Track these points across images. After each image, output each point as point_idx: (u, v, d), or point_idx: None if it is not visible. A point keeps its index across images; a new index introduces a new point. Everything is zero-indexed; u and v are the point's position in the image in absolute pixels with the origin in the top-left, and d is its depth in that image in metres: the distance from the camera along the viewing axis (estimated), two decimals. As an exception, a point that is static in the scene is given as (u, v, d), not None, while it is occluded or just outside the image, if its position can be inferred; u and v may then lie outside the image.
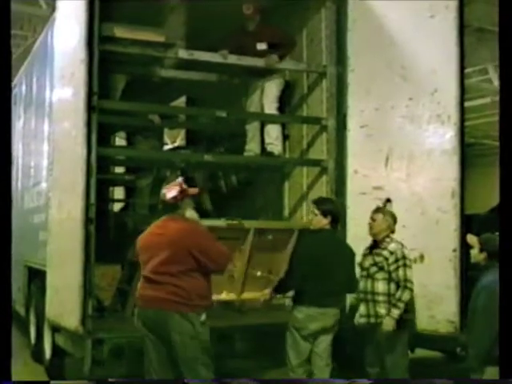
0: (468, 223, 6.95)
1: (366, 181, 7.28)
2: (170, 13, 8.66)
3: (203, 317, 5.63)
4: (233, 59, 7.72)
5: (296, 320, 6.34)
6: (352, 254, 6.58)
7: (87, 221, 6.34)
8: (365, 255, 6.62)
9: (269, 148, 8.20)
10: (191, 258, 5.59)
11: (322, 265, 6.31)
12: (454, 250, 6.68)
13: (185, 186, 5.84)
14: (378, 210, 6.69)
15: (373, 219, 6.60)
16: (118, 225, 9.56)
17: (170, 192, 5.77)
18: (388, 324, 6.33)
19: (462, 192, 6.77)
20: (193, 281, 5.62)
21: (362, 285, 6.58)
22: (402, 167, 7.09)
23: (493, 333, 5.39)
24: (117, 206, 11.83)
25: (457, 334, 6.63)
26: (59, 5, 7.35)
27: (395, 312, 6.33)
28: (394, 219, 6.61)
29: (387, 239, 6.53)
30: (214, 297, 6.21)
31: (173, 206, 5.80)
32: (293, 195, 8.48)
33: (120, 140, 11.24)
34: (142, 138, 8.77)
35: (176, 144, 14.01)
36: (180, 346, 5.56)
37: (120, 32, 7.34)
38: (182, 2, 8.47)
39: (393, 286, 6.43)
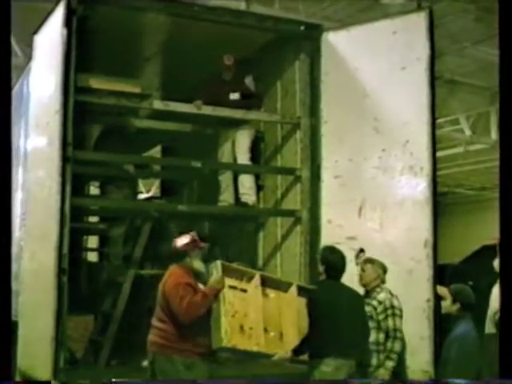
0: (441, 273, 6.99)
1: (340, 231, 7.31)
2: (145, 64, 8.73)
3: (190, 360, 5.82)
4: (207, 110, 7.76)
5: (325, 375, 6.04)
6: (361, 299, 6.47)
7: (60, 271, 6.31)
8: None
9: (243, 198, 8.20)
10: (167, 305, 5.85)
11: (338, 315, 6.11)
12: (428, 300, 6.70)
13: (196, 238, 6.15)
14: (367, 260, 6.70)
15: (362, 269, 6.63)
16: (91, 275, 9.50)
17: (181, 240, 6.09)
18: (384, 374, 6.31)
19: (435, 242, 6.81)
20: (177, 325, 5.81)
21: None
22: (375, 217, 7.15)
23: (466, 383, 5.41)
24: (91, 255, 11.76)
25: (431, 385, 6.62)
26: (36, 54, 7.40)
27: (390, 364, 6.33)
28: (384, 269, 6.60)
29: (377, 289, 6.54)
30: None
31: (181, 255, 6.06)
32: (267, 245, 8.48)
33: (94, 189, 11.21)
34: (115, 188, 8.74)
35: (151, 193, 14.00)
36: None
37: (95, 83, 7.38)
38: (158, 54, 8.54)
39: (382, 335, 6.41)
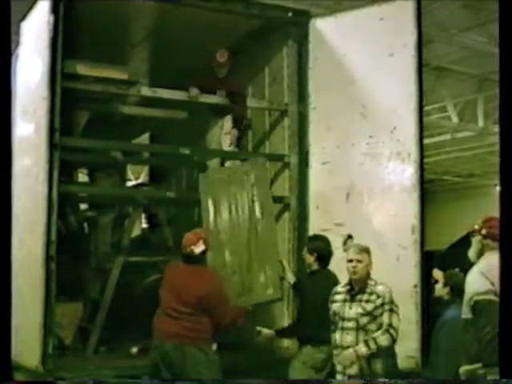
0: (428, 259, 7.02)
1: (328, 217, 7.33)
2: (132, 50, 8.69)
3: (215, 346, 6.32)
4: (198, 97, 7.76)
5: (317, 361, 6.13)
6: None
7: (48, 258, 6.31)
8: (344, 301, 5.90)
9: (232, 184, 8.18)
10: (208, 303, 6.17)
11: (324, 306, 6.07)
12: (415, 286, 6.73)
13: (205, 236, 6.40)
14: (362, 249, 5.96)
15: (358, 260, 5.87)
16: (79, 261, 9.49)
17: (199, 247, 6.26)
18: (348, 357, 5.70)
19: (422, 228, 6.84)
20: (207, 320, 6.20)
21: (348, 339, 5.76)
22: (362, 204, 7.17)
23: (455, 367, 5.45)
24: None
25: (418, 370, 6.65)
26: (22, 41, 7.36)
27: (363, 350, 5.63)
28: None
29: (370, 281, 5.89)
30: None
31: (201, 257, 6.34)
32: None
33: (83, 176, 11.19)
34: (104, 175, 8.73)
35: (140, 180, 13.98)
36: (195, 376, 6.05)
37: (83, 69, 7.33)
38: (145, 40, 8.50)
39: None
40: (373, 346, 5.63)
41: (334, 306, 5.94)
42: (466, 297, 5.32)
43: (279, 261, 7.13)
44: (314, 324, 6.26)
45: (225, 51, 7.92)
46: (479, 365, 5.09)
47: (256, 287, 7.02)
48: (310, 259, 6.53)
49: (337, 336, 5.83)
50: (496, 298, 5.07)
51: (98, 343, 7.60)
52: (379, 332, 5.68)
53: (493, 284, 5.11)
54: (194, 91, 7.63)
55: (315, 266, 6.51)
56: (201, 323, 6.20)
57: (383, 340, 5.66)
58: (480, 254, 5.46)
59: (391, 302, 5.78)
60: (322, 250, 6.52)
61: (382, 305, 5.75)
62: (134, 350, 7.43)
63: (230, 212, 7.22)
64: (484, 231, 5.48)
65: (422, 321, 6.69)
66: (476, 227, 5.58)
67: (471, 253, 5.56)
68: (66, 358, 7.22)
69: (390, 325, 5.70)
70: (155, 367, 6.19)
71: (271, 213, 7.37)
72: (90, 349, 7.53)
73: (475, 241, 5.55)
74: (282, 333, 6.72)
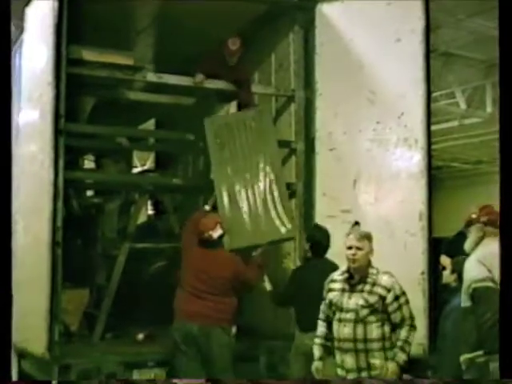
0: (436, 246, 6.99)
1: (335, 204, 7.29)
2: (138, 36, 8.65)
3: (234, 329, 6.64)
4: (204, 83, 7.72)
5: (307, 348, 5.98)
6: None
7: (54, 244, 6.30)
8: (342, 291, 5.45)
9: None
10: (232, 283, 6.50)
11: (311, 295, 6.02)
12: (422, 273, 6.70)
13: (220, 220, 6.69)
14: (362, 236, 5.47)
15: (358, 248, 5.40)
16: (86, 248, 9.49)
17: (216, 231, 6.57)
18: (394, 371, 5.23)
19: (430, 215, 6.81)
20: (232, 299, 6.52)
21: (345, 331, 5.33)
22: (369, 190, 7.13)
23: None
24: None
25: (426, 357, 6.63)
26: (27, 27, 7.33)
27: (402, 357, 5.26)
28: None
29: (371, 270, 5.43)
30: None
31: (219, 241, 6.65)
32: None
33: (89, 162, 11.18)
34: (110, 161, 8.71)
35: (146, 167, 13.95)
36: (217, 356, 6.33)
37: (88, 55, 7.31)
38: (151, 25, 8.46)
39: (387, 328, 5.32)
40: (408, 348, 5.32)
41: (331, 295, 5.50)
42: (465, 285, 5.31)
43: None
44: (301, 311, 6.39)
45: (237, 39, 7.81)
46: (479, 352, 5.09)
47: (270, 226, 7.10)
48: (306, 247, 6.71)
49: (334, 327, 5.42)
50: (493, 285, 5.07)
51: (104, 330, 7.60)
52: (405, 331, 5.32)
53: (490, 271, 5.11)
54: (200, 77, 7.60)
55: (309, 254, 6.63)
56: (223, 303, 6.44)
57: (412, 337, 5.36)
58: (479, 243, 5.46)
59: (403, 292, 5.39)
60: (317, 240, 6.61)
61: (397, 298, 5.34)
62: (140, 336, 7.44)
63: (239, 156, 7.32)
64: (484, 218, 5.48)
65: (430, 308, 6.66)
66: (473, 216, 5.58)
67: (468, 244, 5.55)
68: (72, 344, 7.24)
69: (411, 317, 5.38)
70: (174, 348, 6.39)
71: (279, 157, 7.49)
72: (96, 335, 7.53)
73: (475, 229, 5.54)
74: (271, 294, 6.91)
